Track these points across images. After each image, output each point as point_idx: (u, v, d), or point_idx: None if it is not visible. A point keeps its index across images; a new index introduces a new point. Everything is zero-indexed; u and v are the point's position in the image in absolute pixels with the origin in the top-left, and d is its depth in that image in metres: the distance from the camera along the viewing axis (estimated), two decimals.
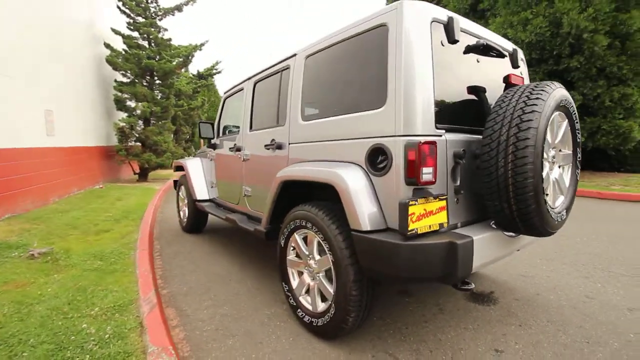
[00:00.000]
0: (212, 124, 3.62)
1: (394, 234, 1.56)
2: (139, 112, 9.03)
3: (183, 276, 2.97)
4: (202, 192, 4.07)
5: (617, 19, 6.44)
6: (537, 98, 1.56)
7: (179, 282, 2.85)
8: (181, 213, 4.73)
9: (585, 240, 3.81)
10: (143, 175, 9.79)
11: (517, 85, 1.75)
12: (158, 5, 9.46)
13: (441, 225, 1.57)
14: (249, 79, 3.00)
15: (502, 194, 1.58)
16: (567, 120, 1.83)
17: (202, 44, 9.63)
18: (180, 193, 4.75)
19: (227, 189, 3.39)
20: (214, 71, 15.49)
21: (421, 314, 2.28)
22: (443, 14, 1.72)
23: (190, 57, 9.40)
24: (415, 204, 1.46)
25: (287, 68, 2.41)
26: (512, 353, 1.84)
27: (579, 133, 1.93)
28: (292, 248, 2.21)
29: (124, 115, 9.12)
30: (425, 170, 1.50)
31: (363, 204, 1.62)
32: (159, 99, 8.91)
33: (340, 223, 1.80)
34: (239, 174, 3.05)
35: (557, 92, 1.65)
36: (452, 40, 1.71)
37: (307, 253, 2.06)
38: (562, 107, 1.71)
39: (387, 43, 1.64)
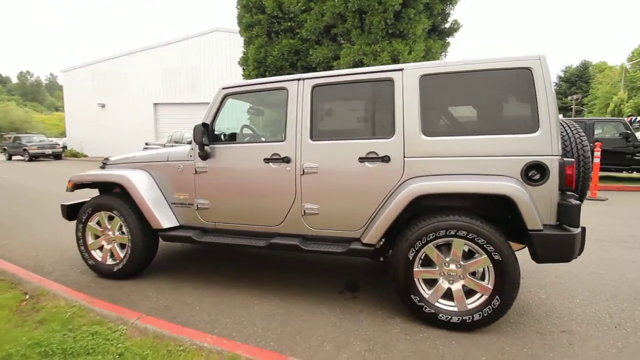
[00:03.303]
0: (206, 127, 2.75)
1: (556, 228, 2.10)
2: None
3: (263, 338, 2.23)
4: (167, 217, 2.99)
5: None
6: (581, 130, 2.51)
7: (275, 343, 2.14)
8: (96, 253, 3.16)
9: None
10: None
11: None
12: None
13: None
14: (298, 79, 2.59)
15: (576, 188, 2.45)
16: None
17: None
18: (90, 223, 3.15)
19: (250, 209, 2.74)
20: None
21: None
22: None
23: None
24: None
25: (388, 80, 2.38)
26: (547, 295, 2.80)
27: None
28: (419, 259, 2.29)
29: None
30: (574, 179, 2.14)
31: (535, 209, 2.06)
32: None
33: (495, 228, 2.15)
34: (287, 189, 2.59)
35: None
36: None
37: (447, 260, 2.24)
38: None
39: (535, 83, 2.13)
